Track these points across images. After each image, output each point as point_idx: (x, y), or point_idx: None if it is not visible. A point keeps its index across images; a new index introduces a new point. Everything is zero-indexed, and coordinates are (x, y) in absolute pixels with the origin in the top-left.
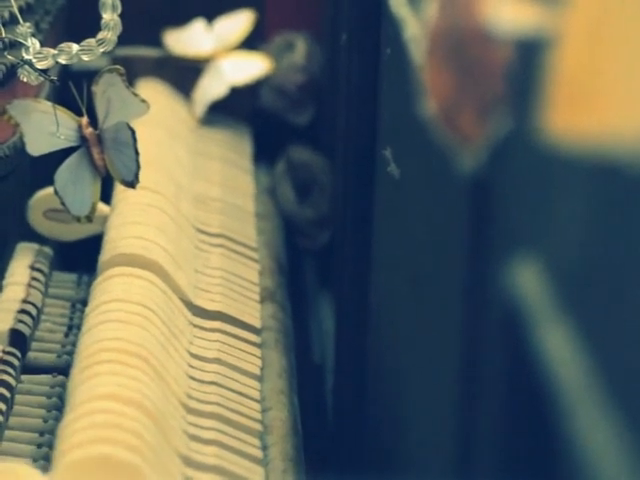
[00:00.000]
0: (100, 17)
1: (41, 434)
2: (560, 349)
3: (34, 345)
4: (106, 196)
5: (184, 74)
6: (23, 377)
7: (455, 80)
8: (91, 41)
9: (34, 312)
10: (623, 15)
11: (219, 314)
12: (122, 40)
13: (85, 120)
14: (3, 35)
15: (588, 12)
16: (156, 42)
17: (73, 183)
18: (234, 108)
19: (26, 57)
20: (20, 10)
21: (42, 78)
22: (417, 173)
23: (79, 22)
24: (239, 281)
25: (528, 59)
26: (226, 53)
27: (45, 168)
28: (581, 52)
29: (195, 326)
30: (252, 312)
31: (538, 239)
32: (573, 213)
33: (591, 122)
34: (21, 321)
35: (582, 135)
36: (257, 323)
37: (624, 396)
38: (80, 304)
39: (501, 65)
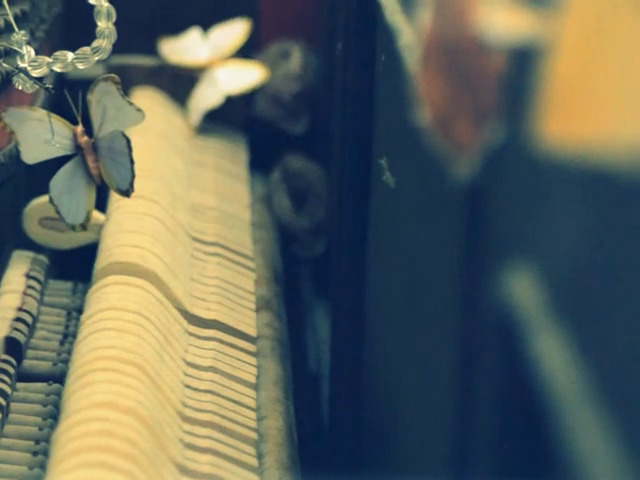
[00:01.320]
0: (95, 25)
1: (37, 442)
2: (553, 356)
3: (29, 353)
4: (101, 204)
5: (179, 83)
6: (18, 385)
7: (449, 88)
8: (86, 49)
9: (29, 320)
10: (616, 23)
11: (215, 322)
12: (117, 49)
13: (80, 128)
14: None
15: (582, 20)
16: (151, 51)
17: (68, 191)
18: (229, 117)
19: (21, 65)
20: (15, 18)
21: (37, 86)
22: (412, 181)
23: (74, 30)
24: (235, 290)
25: (522, 67)
26: (221, 62)
27: (40, 176)
28: (575, 60)
29: (191, 334)
30: (248, 321)
31: (532, 247)
32: (567, 221)
33: (585, 130)
34: (16, 329)
35: (576, 143)
36: (253, 332)
37: (617, 402)
38: (76, 312)
39: (495, 73)
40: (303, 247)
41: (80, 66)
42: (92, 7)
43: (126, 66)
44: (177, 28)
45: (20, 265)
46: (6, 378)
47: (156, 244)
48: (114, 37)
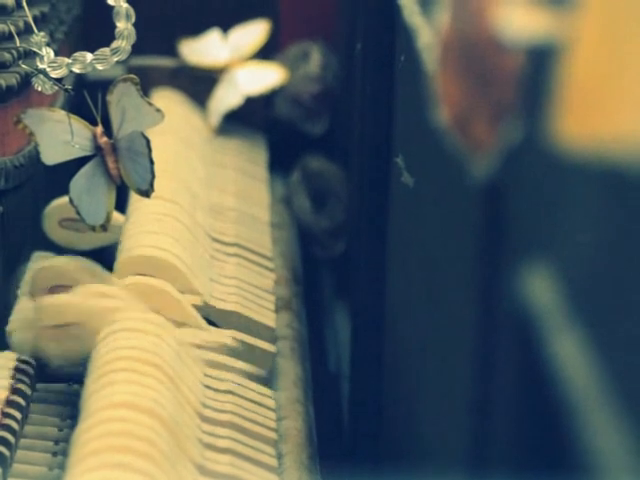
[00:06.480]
0: (114, 26)
1: (56, 442)
2: (572, 356)
3: None
4: (121, 205)
5: (199, 84)
6: (38, 386)
7: (468, 88)
8: (105, 50)
9: None
10: (634, 21)
11: None
12: (137, 50)
13: (100, 129)
14: (18, 44)
15: (600, 19)
16: (171, 52)
17: (88, 192)
18: (249, 118)
19: (40, 66)
20: (35, 20)
21: (56, 87)
22: (431, 181)
23: (93, 31)
24: (254, 290)
25: (540, 66)
26: (241, 63)
27: (60, 177)
28: (593, 59)
29: None
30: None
31: (551, 246)
32: (586, 220)
33: (604, 129)
34: None
35: (595, 142)
36: None
37: (635, 402)
38: None
39: (513, 72)
40: (323, 248)
41: (99, 67)
42: (111, 8)
43: (145, 67)
44: (197, 29)
45: None
46: (26, 379)
47: (176, 245)
48: (133, 38)
